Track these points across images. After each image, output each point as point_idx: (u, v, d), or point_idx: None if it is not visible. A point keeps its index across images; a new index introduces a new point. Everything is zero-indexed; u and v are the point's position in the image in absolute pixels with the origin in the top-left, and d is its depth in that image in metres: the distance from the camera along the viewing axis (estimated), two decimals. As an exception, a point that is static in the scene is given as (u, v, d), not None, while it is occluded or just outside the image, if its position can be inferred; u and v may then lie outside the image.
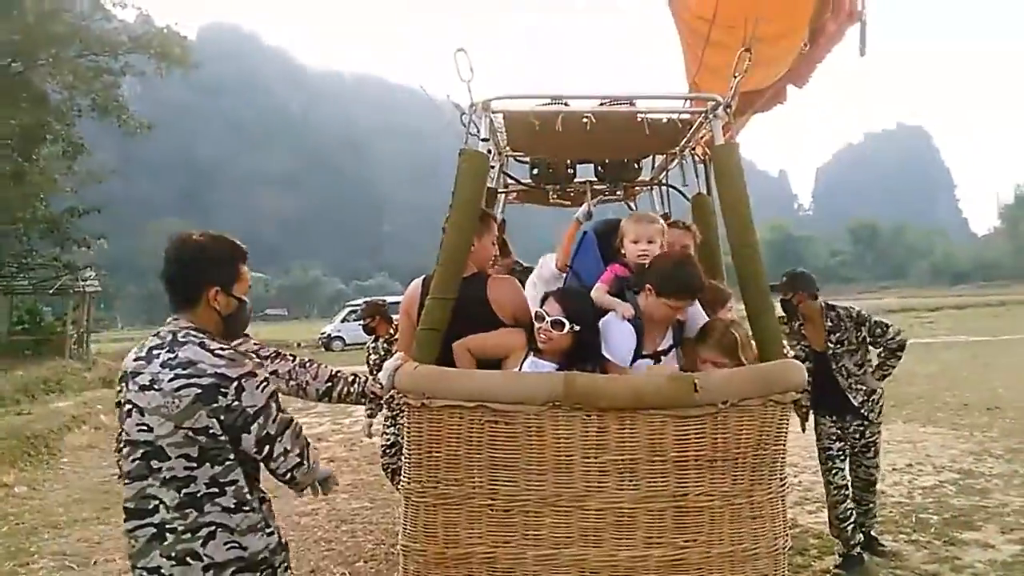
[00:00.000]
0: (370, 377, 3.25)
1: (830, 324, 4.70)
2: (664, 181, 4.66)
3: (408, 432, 3.04)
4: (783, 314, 4.75)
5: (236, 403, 2.25)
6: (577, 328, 2.99)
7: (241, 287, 2.46)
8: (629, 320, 3.13)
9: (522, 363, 3.11)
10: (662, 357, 3.15)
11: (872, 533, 5.06)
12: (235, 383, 2.25)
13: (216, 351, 2.30)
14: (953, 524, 5.61)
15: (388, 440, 6.03)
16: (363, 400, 3.19)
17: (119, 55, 22.49)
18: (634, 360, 3.13)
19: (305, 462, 2.50)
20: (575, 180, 4.43)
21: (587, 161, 4.33)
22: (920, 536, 5.34)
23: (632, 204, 5.09)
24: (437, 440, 2.95)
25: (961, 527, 5.54)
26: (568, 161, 4.30)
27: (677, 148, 3.90)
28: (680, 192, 4.47)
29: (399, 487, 5.92)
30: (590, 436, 2.87)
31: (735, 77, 3.01)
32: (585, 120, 3.20)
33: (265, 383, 2.34)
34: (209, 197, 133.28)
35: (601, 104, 3.25)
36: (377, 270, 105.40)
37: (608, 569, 2.91)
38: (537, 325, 3.02)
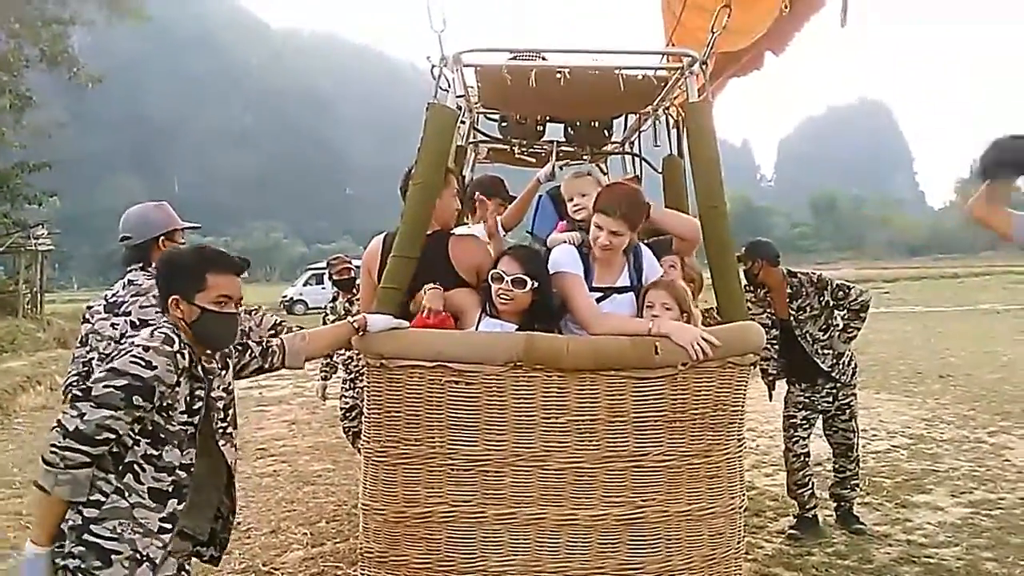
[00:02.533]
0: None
1: (791, 291, 4.73)
2: (633, 146, 4.64)
3: (368, 392, 3.01)
4: (746, 282, 4.77)
5: None
6: (536, 284, 2.96)
7: (206, 296, 2.40)
8: (575, 246, 3.12)
9: (477, 324, 3.08)
10: (615, 295, 3.13)
11: (853, 511, 5.03)
12: None
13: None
14: (904, 487, 5.77)
15: (347, 404, 5.99)
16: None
17: (67, 3, 21.70)
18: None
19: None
20: (543, 139, 4.37)
21: (557, 120, 4.28)
22: (872, 499, 5.48)
23: (602, 166, 5.04)
24: (397, 400, 2.92)
25: (912, 490, 5.70)
26: (538, 118, 4.23)
27: (651, 107, 3.85)
28: (646, 161, 4.44)
29: (360, 450, 5.92)
30: (550, 396, 2.88)
31: (712, 32, 2.98)
32: (559, 75, 3.15)
33: None
34: (165, 154, 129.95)
35: (577, 64, 3.19)
36: (340, 233, 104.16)
37: (567, 527, 2.94)
38: (495, 286, 2.98)
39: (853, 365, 4.88)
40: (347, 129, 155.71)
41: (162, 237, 3.21)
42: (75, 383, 3.10)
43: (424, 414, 2.90)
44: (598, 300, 3.10)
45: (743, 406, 3.05)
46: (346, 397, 5.99)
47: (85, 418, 2.15)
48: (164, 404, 2.30)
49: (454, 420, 2.90)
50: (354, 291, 6.09)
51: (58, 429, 2.15)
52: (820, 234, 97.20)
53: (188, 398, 2.37)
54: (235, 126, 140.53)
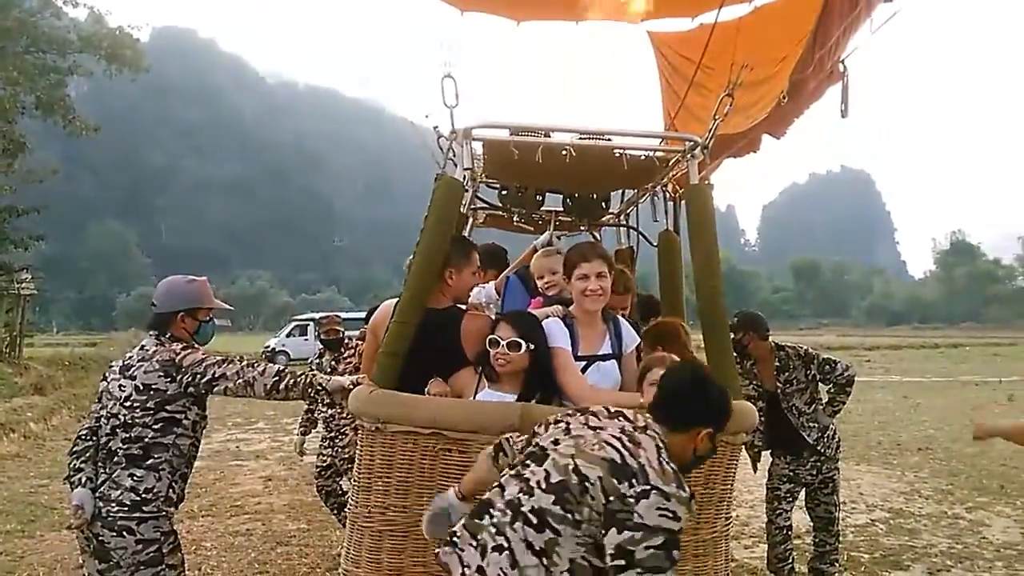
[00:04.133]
0: (316, 373, 3.21)
1: (779, 364, 4.78)
2: (628, 220, 4.73)
3: (359, 455, 3.01)
4: (734, 354, 4.82)
5: None
6: (533, 347, 2.99)
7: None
8: (560, 318, 3.17)
9: (475, 393, 3.10)
10: (600, 363, 3.17)
11: None
12: None
13: None
14: (882, 563, 5.73)
15: (324, 462, 5.93)
16: (309, 393, 3.15)
17: (67, 54, 21.95)
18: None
19: None
20: (542, 208, 4.46)
21: (556, 191, 4.37)
22: (850, 574, 5.44)
23: (596, 235, 5.13)
24: (388, 465, 2.93)
25: (890, 567, 5.67)
26: (536, 189, 4.33)
27: (650, 184, 3.96)
28: (642, 235, 4.52)
29: (333, 509, 5.86)
30: (543, 467, 2.88)
31: (715, 119, 3.08)
32: (564, 152, 3.24)
33: None
34: (154, 201, 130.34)
35: (581, 138, 3.29)
36: (326, 284, 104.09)
37: (554, 602, 2.91)
38: (492, 351, 3.01)
39: (837, 439, 4.91)
40: (336, 181, 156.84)
41: (183, 312, 3.23)
42: (83, 437, 3.16)
43: (416, 480, 2.91)
44: (583, 368, 3.14)
45: (733, 484, 3.07)
46: (324, 455, 5.95)
47: None
48: None
49: (445, 488, 2.87)
50: (341, 351, 6.09)
51: None
52: (802, 299, 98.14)
53: None
54: (226, 175, 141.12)
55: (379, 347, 3.25)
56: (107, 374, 3.24)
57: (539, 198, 4.42)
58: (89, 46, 22.21)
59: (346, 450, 5.84)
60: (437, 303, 3.22)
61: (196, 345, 3.30)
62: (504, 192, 4.40)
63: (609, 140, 3.37)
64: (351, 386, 3.05)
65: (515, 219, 4.74)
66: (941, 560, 5.80)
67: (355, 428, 5.69)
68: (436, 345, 3.14)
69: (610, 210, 4.61)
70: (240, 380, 3.06)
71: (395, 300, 3.37)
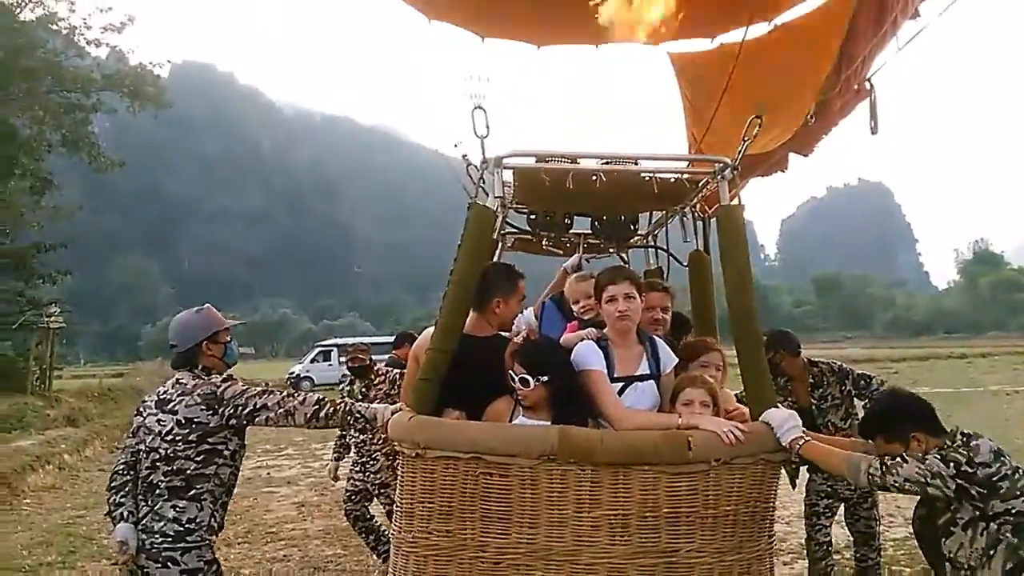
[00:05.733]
0: (353, 402, 3.24)
1: (812, 380, 4.77)
2: (656, 241, 4.76)
3: (401, 482, 3.04)
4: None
5: None
6: (545, 378, 3.01)
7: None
8: (594, 340, 3.20)
9: (511, 419, 3.14)
10: (637, 383, 3.19)
11: None
12: None
13: None
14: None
15: (355, 487, 5.98)
16: (348, 422, 3.20)
17: (91, 92, 22.43)
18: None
19: None
20: (570, 231, 4.51)
21: (585, 214, 4.41)
22: (894, 589, 5.39)
23: (624, 256, 5.14)
24: (430, 490, 2.95)
25: (937, 582, 5.59)
26: (564, 214, 4.37)
27: (679, 206, 3.99)
28: (672, 255, 4.53)
29: (362, 533, 5.89)
30: (583, 490, 2.90)
31: (744, 140, 3.11)
32: (594, 178, 3.28)
33: None
34: (177, 234, 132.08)
35: (607, 163, 3.33)
36: (347, 309, 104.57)
37: (598, 625, 2.92)
38: (513, 387, 3.06)
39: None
40: (354, 207, 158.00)
41: (205, 341, 3.30)
42: (120, 471, 3.21)
43: (457, 505, 2.93)
44: (620, 390, 3.16)
45: (774, 502, 3.07)
46: (354, 479, 5.99)
47: None
48: None
49: (486, 512, 2.92)
50: (372, 378, 6.12)
51: None
52: (825, 313, 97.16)
53: None
54: (246, 205, 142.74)
55: (419, 375, 3.30)
56: (141, 409, 3.29)
57: (567, 221, 4.46)
58: (112, 84, 22.68)
59: (377, 475, 5.88)
60: (482, 331, 3.27)
61: (228, 367, 3.41)
62: (533, 217, 4.44)
63: (637, 164, 3.41)
64: (390, 414, 3.08)
65: (544, 243, 4.78)
66: (983, 573, 5.70)
67: (387, 454, 5.84)
68: (480, 374, 3.17)
69: (638, 232, 4.64)
70: (281, 410, 3.11)
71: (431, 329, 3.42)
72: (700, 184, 3.44)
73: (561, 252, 4.88)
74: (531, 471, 2.89)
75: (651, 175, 3.39)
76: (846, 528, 5.06)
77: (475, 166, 3.46)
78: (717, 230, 3.23)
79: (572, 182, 3.28)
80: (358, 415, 3.15)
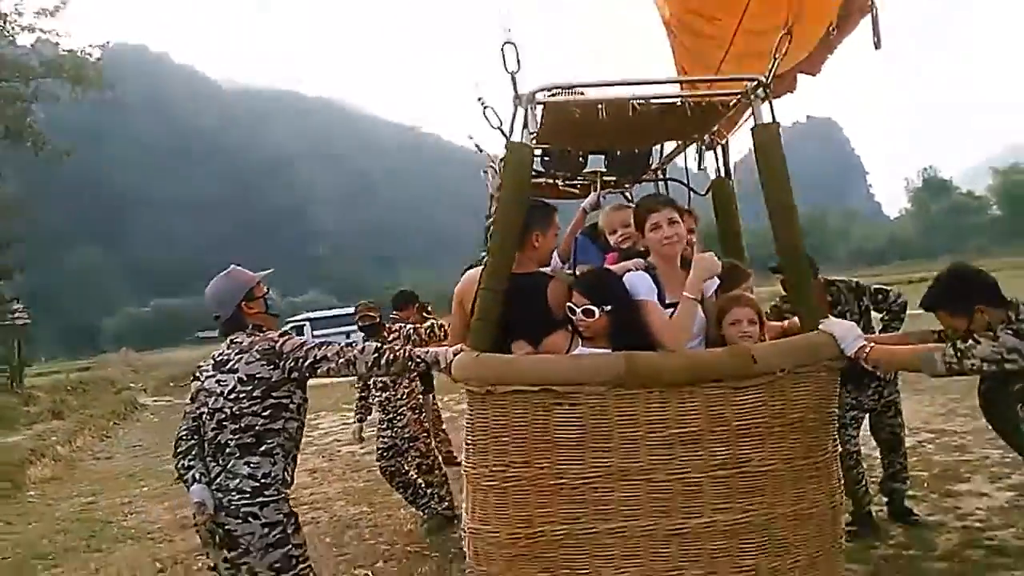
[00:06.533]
0: (410, 349, 3.25)
1: (831, 298, 4.87)
2: (666, 174, 4.78)
3: (471, 420, 3.07)
4: (784, 294, 4.91)
5: None
6: (608, 308, 3.04)
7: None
8: (642, 269, 3.24)
9: (569, 351, 3.18)
10: None
11: (904, 503, 5.15)
12: None
13: None
14: (943, 478, 5.91)
15: (385, 443, 5.99)
16: (409, 367, 3.21)
17: (30, 80, 21.67)
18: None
19: None
20: (584, 170, 4.51)
21: (602, 151, 4.42)
22: (915, 492, 5.56)
23: (627, 195, 5.15)
24: (503, 425, 3.00)
25: (952, 480, 5.85)
26: (580, 152, 4.37)
27: (703, 133, 4.00)
28: (690, 188, 4.55)
29: (399, 488, 5.94)
30: (653, 412, 2.97)
31: (775, 58, 3.13)
32: (630, 105, 3.27)
33: None
34: (126, 224, 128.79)
35: (633, 98, 3.30)
36: (309, 286, 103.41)
37: (677, 538, 3.02)
38: (573, 319, 3.10)
39: (896, 364, 5.00)
40: (309, 184, 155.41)
41: (243, 302, 3.28)
42: (184, 437, 3.21)
43: (531, 437, 2.98)
44: (671, 316, 3.21)
45: (837, 406, 3.16)
46: (383, 437, 6.01)
47: None
48: None
49: (561, 441, 2.98)
50: (385, 335, 6.09)
51: None
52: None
53: None
54: (195, 191, 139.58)
55: (466, 317, 3.33)
56: (198, 374, 3.29)
57: (581, 160, 4.47)
58: (52, 71, 21.94)
59: (405, 430, 5.92)
60: (523, 267, 3.28)
61: (275, 319, 3.43)
62: (547, 159, 4.44)
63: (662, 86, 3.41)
64: (452, 356, 3.09)
65: (560, 184, 4.78)
66: (999, 469, 5.97)
67: (412, 408, 5.86)
68: (526, 311, 3.20)
69: (651, 165, 4.66)
70: (342, 360, 3.11)
71: (478, 268, 3.43)
72: (731, 105, 3.44)
73: (577, 192, 4.88)
74: (600, 399, 2.95)
75: (681, 100, 3.38)
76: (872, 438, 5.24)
77: (493, 109, 3.41)
78: (755, 151, 3.24)
79: (605, 112, 3.27)
80: (419, 360, 3.16)
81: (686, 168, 4.42)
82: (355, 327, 6.83)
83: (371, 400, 6.26)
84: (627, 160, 4.46)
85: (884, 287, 5.01)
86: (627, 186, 4.85)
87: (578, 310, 3.05)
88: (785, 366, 2.96)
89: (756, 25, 3.97)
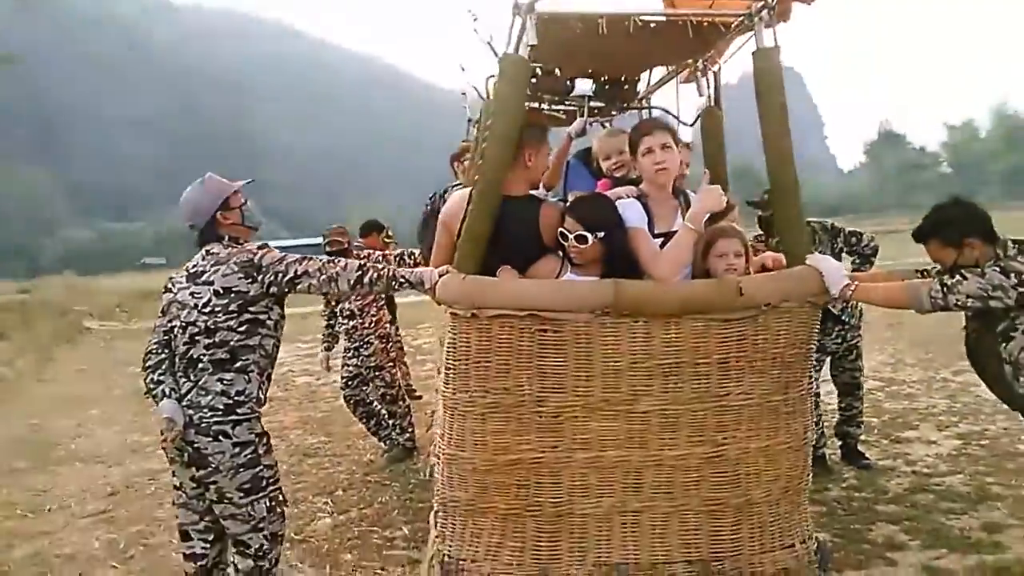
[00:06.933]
0: (393, 268, 3.14)
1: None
2: (653, 101, 4.67)
3: (453, 343, 2.99)
4: (761, 231, 4.90)
5: None
6: (601, 234, 2.98)
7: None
8: (633, 197, 3.17)
9: (559, 276, 3.11)
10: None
11: (858, 447, 5.28)
12: None
13: None
14: (893, 425, 6.08)
15: (350, 372, 5.89)
16: (392, 287, 3.09)
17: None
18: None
19: None
20: (571, 95, 4.38)
21: (588, 76, 4.28)
22: (866, 437, 5.72)
23: (605, 124, 5.03)
24: (486, 350, 2.93)
25: (900, 427, 6.01)
26: (569, 74, 4.23)
27: (698, 57, 3.88)
28: (677, 118, 4.44)
29: (362, 418, 5.88)
30: (637, 342, 2.93)
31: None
32: (627, 24, 3.14)
33: None
34: (67, 142, 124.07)
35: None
36: (259, 214, 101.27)
37: (652, 468, 3.03)
38: (565, 244, 3.02)
39: (860, 307, 5.06)
40: (260, 109, 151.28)
41: (218, 212, 3.12)
42: (154, 351, 3.06)
43: (514, 363, 2.92)
44: (660, 246, 3.15)
45: (815, 342, 3.16)
46: (348, 366, 5.91)
47: None
48: None
49: (543, 368, 2.93)
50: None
51: None
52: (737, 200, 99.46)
53: None
54: (141, 110, 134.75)
55: (452, 239, 3.22)
56: (170, 286, 3.15)
57: (569, 84, 4.34)
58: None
59: (371, 358, 5.83)
60: (515, 190, 3.17)
61: (252, 231, 3.28)
62: (533, 81, 4.29)
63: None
64: (438, 276, 3.00)
65: (546, 108, 4.65)
66: (946, 418, 6.17)
67: (380, 337, 5.77)
68: (516, 235, 3.12)
69: (639, 94, 4.55)
70: (324, 276, 3.00)
71: (465, 190, 3.33)
72: (734, 27, 3.33)
73: (564, 118, 4.75)
74: (586, 326, 2.89)
75: (686, 17, 3.24)
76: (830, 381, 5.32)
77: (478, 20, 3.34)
78: (754, 76, 3.14)
79: (606, 28, 3.13)
80: (402, 279, 3.05)
81: (676, 98, 4.32)
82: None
83: (338, 328, 6.14)
84: (615, 87, 4.35)
85: (858, 231, 5.03)
86: (614, 114, 4.73)
87: (571, 236, 2.97)
88: (771, 300, 2.94)
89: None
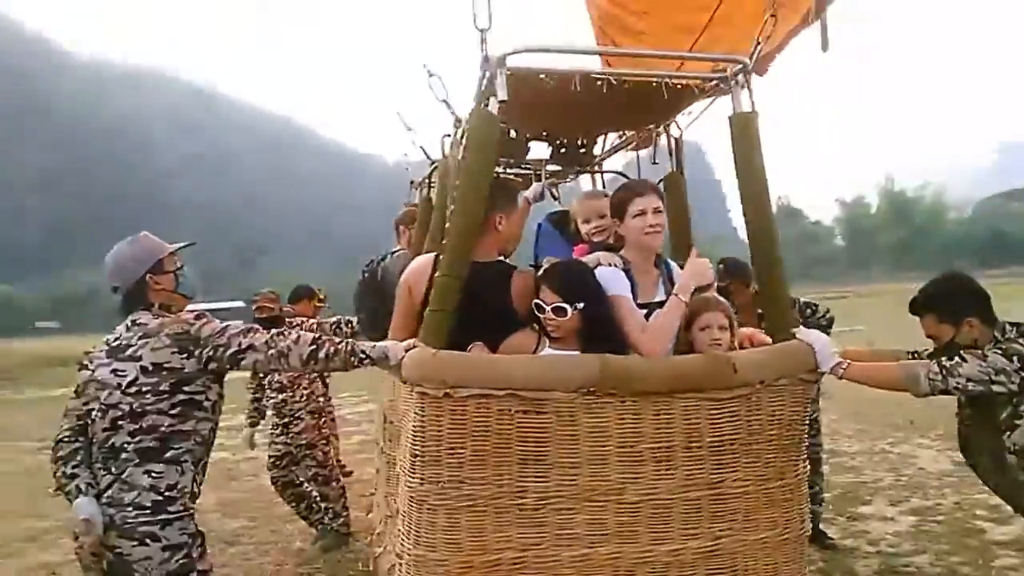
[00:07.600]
0: (351, 341, 2.78)
1: (760, 311, 4.75)
2: (602, 165, 4.52)
3: (422, 427, 2.63)
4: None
5: None
6: (581, 305, 2.73)
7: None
8: (616, 266, 2.95)
9: (536, 353, 2.83)
10: (657, 310, 2.95)
11: (820, 526, 5.04)
12: None
13: None
14: (846, 499, 5.95)
15: (279, 451, 5.39)
16: (351, 362, 2.70)
17: None
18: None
19: None
20: (527, 156, 4.18)
21: (544, 139, 4.09)
22: (824, 514, 5.56)
23: (553, 191, 4.83)
24: (461, 434, 2.60)
25: (853, 502, 5.89)
26: (526, 135, 4.03)
27: (665, 121, 3.74)
28: (625, 176, 4.32)
29: (291, 500, 5.37)
30: (625, 423, 2.68)
31: (758, 42, 2.94)
32: (600, 83, 2.95)
33: None
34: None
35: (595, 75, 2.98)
36: (197, 280, 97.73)
37: (645, 566, 2.74)
38: (541, 316, 2.76)
39: (818, 382, 4.94)
40: (169, 167, 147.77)
41: (148, 274, 2.74)
42: (67, 438, 2.60)
43: (492, 448, 2.60)
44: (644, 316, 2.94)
45: (806, 425, 2.96)
46: (277, 444, 5.41)
47: None
48: None
49: (524, 454, 2.62)
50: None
51: None
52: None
53: None
54: (43, 165, 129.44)
55: (413, 308, 2.93)
56: (86, 363, 2.71)
57: (527, 147, 4.14)
58: None
59: (301, 436, 5.36)
60: (484, 255, 2.92)
61: (186, 300, 2.90)
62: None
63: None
64: (403, 351, 2.67)
65: (502, 171, 4.43)
66: (896, 492, 6.09)
67: (312, 412, 5.32)
68: (486, 305, 2.84)
69: (597, 157, 4.39)
70: (272, 351, 2.62)
71: (429, 255, 3.06)
72: (707, 90, 3.20)
73: (520, 181, 4.53)
74: (569, 405, 2.62)
75: (657, 79, 3.07)
76: None
77: (438, 77, 3.20)
78: (732, 142, 3.01)
79: (579, 84, 2.93)
80: (363, 354, 2.70)
81: (637, 162, 4.18)
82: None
83: (265, 403, 5.63)
84: (572, 150, 4.18)
85: (813, 302, 4.96)
86: (570, 178, 4.55)
87: (548, 307, 2.71)
88: (765, 377, 2.74)
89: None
